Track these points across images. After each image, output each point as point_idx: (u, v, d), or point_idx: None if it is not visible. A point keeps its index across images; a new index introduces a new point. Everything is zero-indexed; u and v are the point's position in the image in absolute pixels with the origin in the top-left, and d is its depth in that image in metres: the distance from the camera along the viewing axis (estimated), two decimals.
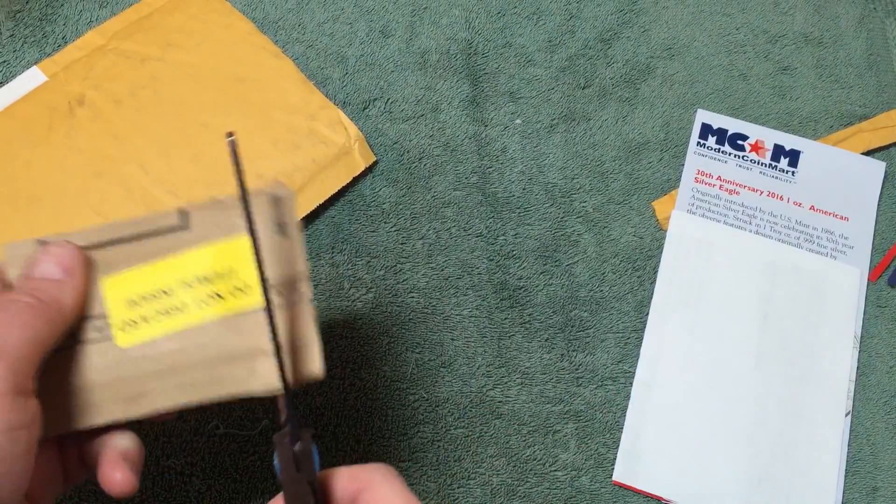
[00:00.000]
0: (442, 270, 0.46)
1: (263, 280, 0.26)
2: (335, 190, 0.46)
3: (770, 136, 0.50)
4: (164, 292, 0.29)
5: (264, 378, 0.28)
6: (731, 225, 0.48)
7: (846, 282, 0.47)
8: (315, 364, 0.28)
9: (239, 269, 0.29)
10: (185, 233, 0.29)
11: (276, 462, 0.26)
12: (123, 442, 0.28)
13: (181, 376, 0.28)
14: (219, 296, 0.28)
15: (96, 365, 0.28)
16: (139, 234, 0.29)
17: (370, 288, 0.45)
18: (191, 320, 0.28)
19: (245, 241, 0.28)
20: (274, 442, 0.26)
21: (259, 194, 0.29)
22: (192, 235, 0.29)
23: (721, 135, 0.50)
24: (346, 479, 0.26)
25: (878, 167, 0.50)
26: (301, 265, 0.29)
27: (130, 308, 0.28)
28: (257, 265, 0.26)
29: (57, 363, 0.28)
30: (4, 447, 0.23)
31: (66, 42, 0.49)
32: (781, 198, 0.49)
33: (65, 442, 0.29)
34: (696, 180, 0.49)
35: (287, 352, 0.28)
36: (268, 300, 0.26)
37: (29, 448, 0.24)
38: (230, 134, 0.27)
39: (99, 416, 0.28)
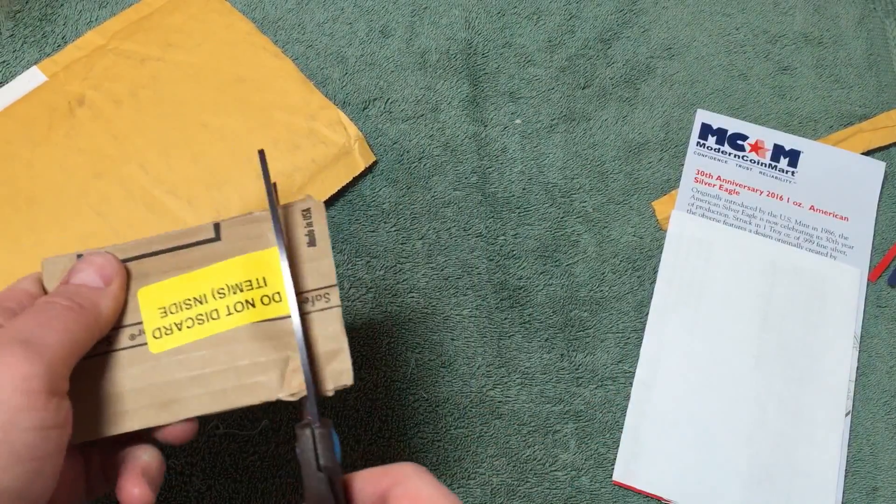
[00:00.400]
0: (442, 270, 0.46)
1: (293, 290, 0.28)
2: (335, 190, 0.46)
3: (770, 136, 0.50)
4: (197, 300, 0.29)
5: (294, 386, 0.28)
6: (731, 225, 0.48)
7: (846, 282, 0.47)
8: (345, 371, 0.29)
9: (270, 279, 0.29)
10: (218, 244, 0.30)
11: (297, 452, 0.27)
12: (145, 457, 0.29)
13: (212, 383, 0.28)
14: (250, 304, 0.29)
15: (129, 371, 0.29)
16: (174, 246, 0.30)
17: (370, 288, 0.45)
18: (222, 327, 0.29)
19: (275, 253, 0.29)
20: (296, 432, 0.27)
21: (290, 207, 0.30)
22: (225, 247, 0.30)
23: (721, 135, 0.50)
24: (376, 475, 0.26)
25: (878, 167, 0.50)
26: (330, 275, 0.30)
27: (164, 316, 0.29)
28: (287, 276, 0.28)
29: (91, 369, 0.28)
30: (37, 445, 0.23)
31: (66, 42, 0.49)
32: (781, 198, 0.49)
33: (89, 452, 0.29)
34: (696, 180, 0.49)
35: (317, 359, 0.29)
36: (298, 309, 0.28)
37: (59, 449, 0.25)
38: (262, 151, 0.30)
39: (131, 422, 0.28)
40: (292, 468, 0.41)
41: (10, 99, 0.46)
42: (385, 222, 0.47)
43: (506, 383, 0.44)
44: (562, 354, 0.45)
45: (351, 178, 0.47)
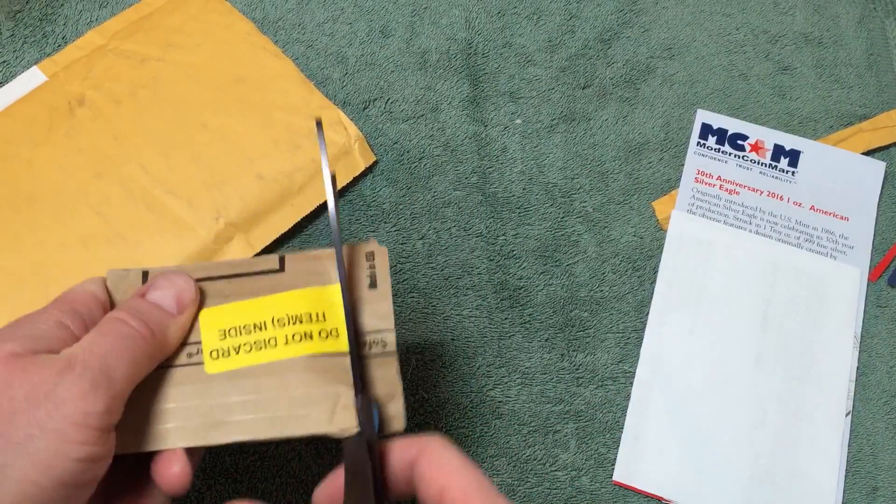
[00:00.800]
0: (442, 270, 0.46)
1: (352, 328, 0.29)
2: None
3: (770, 136, 0.50)
4: (257, 327, 0.29)
5: (343, 422, 0.28)
6: (731, 225, 0.48)
7: (846, 282, 0.47)
8: (397, 417, 0.29)
9: (329, 316, 0.30)
10: (282, 276, 0.30)
11: None
12: (147, 499, 0.29)
13: (263, 410, 0.28)
14: (308, 336, 0.29)
15: (182, 388, 0.29)
16: (238, 273, 0.30)
17: None
18: (279, 356, 0.29)
19: (337, 290, 0.30)
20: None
21: (355, 248, 0.31)
22: (288, 279, 0.30)
23: (721, 135, 0.50)
24: (403, 446, 0.27)
25: (878, 167, 0.50)
26: (388, 318, 0.30)
27: (223, 339, 0.29)
28: (346, 313, 0.29)
29: (146, 382, 0.28)
30: (81, 474, 0.24)
31: (66, 42, 0.49)
32: (781, 198, 0.49)
33: (113, 476, 0.29)
34: (696, 180, 0.49)
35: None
36: (354, 348, 0.29)
37: (98, 477, 0.26)
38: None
39: (176, 439, 0.28)
40: (292, 468, 0.41)
41: (10, 99, 0.46)
42: (385, 222, 0.47)
43: (506, 383, 0.44)
44: (562, 354, 0.45)
45: (351, 178, 0.47)
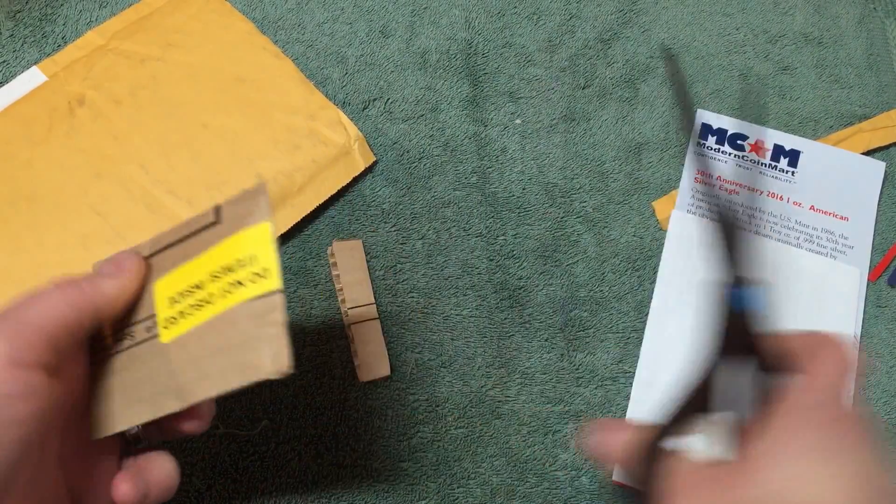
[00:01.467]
0: (442, 270, 0.46)
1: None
2: (335, 190, 0.46)
3: (770, 136, 0.50)
4: (197, 287, 0.30)
5: (280, 361, 0.28)
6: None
7: (846, 282, 0.47)
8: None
9: (260, 256, 0.29)
10: (219, 227, 0.30)
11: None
12: (150, 462, 0.30)
13: (211, 366, 0.29)
14: (241, 284, 0.29)
15: (145, 363, 0.29)
16: (183, 236, 0.31)
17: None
18: (217, 310, 0.29)
19: (265, 228, 0.29)
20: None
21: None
22: (224, 229, 0.30)
23: (721, 135, 0.50)
24: (800, 339, 0.28)
25: (878, 167, 0.50)
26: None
27: (171, 305, 0.30)
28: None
29: (113, 365, 0.29)
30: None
31: (66, 42, 0.49)
32: (781, 198, 0.49)
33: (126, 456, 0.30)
34: (696, 180, 0.49)
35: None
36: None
37: (24, 419, 0.25)
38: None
39: (144, 413, 0.29)
40: (292, 468, 0.41)
41: (10, 99, 0.46)
42: (385, 222, 0.47)
43: (506, 383, 0.44)
44: (562, 354, 0.45)
45: (351, 178, 0.47)
